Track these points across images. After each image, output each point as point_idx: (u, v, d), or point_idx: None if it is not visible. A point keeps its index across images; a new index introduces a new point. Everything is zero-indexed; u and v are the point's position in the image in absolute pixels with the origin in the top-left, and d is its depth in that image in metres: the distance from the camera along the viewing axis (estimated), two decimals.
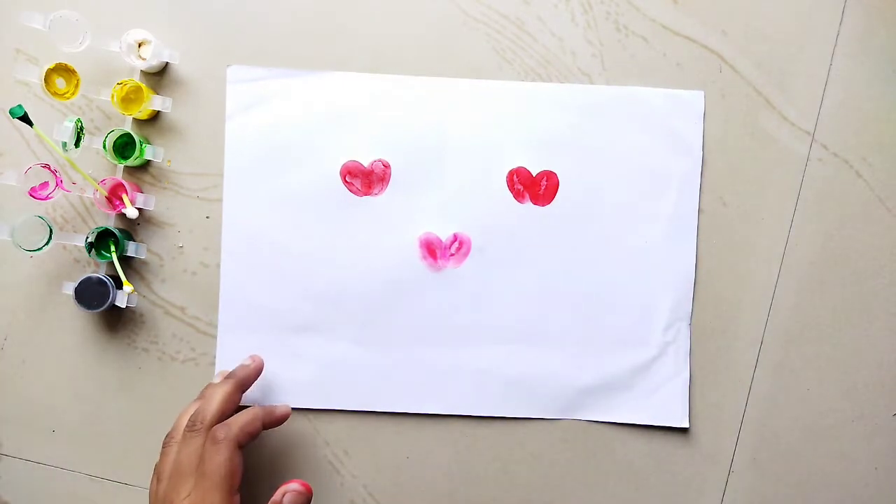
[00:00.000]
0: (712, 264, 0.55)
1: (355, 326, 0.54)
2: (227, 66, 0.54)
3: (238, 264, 0.54)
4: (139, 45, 0.53)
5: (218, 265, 0.54)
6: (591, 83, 0.55)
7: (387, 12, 0.54)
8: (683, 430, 0.55)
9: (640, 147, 0.55)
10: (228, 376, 0.51)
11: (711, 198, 0.55)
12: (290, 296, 0.54)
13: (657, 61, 0.55)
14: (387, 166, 0.54)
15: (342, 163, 0.54)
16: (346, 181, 0.54)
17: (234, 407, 0.49)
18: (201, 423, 0.47)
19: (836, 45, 0.55)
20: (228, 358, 0.54)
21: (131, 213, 0.51)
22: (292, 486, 0.48)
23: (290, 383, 0.54)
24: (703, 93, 0.55)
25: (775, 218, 0.55)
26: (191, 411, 0.49)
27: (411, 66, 0.54)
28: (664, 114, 0.55)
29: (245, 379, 0.51)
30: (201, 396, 0.50)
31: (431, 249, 0.54)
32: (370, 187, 0.54)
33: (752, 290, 0.55)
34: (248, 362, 0.52)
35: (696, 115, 0.55)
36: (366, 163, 0.54)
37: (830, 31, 0.55)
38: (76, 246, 0.53)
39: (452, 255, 0.54)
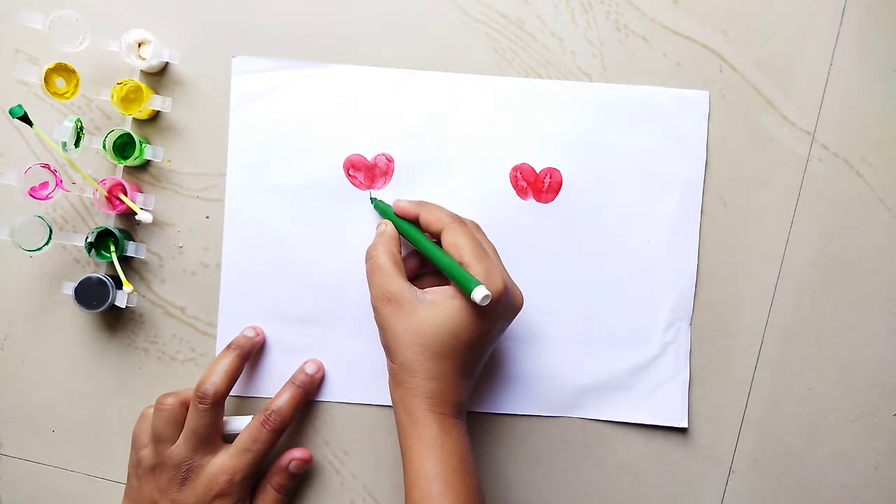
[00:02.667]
0: (712, 264, 0.55)
1: (357, 320, 0.54)
2: (233, 56, 0.54)
3: (239, 256, 0.54)
4: (139, 45, 0.53)
5: (218, 265, 0.54)
6: (591, 83, 0.55)
7: (386, 12, 0.54)
8: (683, 430, 0.55)
9: (644, 146, 0.55)
10: (232, 346, 0.52)
11: (712, 198, 0.55)
12: (291, 288, 0.54)
13: (657, 61, 0.55)
14: (390, 160, 0.54)
15: (345, 156, 0.54)
16: (349, 174, 0.54)
17: (237, 379, 0.51)
18: (213, 397, 0.49)
19: (836, 45, 0.55)
20: None
21: (146, 217, 0.51)
22: (297, 454, 0.53)
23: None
24: (708, 93, 0.55)
25: (775, 218, 0.55)
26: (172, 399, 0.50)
27: (411, 66, 0.54)
28: (669, 114, 0.55)
29: (250, 350, 0.53)
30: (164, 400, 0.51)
31: None
32: (373, 181, 0.54)
33: (752, 290, 0.55)
34: (251, 333, 0.53)
35: (701, 115, 0.55)
36: (369, 156, 0.54)
37: (830, 31, 0.55)
38: (76, 246, 0.53)
39: None
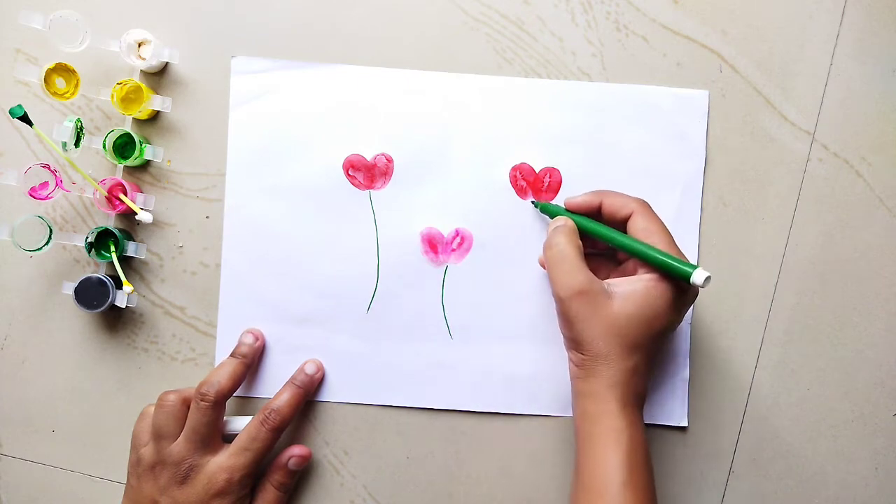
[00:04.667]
0: (712, 264, 0.55)
1: (356, 320, 0.54)
2: (232, 56, 0.54)
3: (239, 256, 0.54)
4: (139, 45, 0.53)
5: (218, 265, 0.54)
6: (591, 82, 0.55)
7: (386, 12, 0.54)
8: (683, 430, 0.55)
9: (644, 145, 0.55)
10: (236, 355, 0.52)
11: (712, 197, 0.55)
12: (291, 288, 0.54)
13: (657, 61, 0.55)
14: (389, 160, 0.54)
15: (345, 156, 0.54)
16: (349, 174, 0.54)
17: (240, 384, 0.51)
18: (215, 395, 0.49)
19: (836, 45, 0.55)
20: (227, 352, 0.53)
21: (146, 217, 0.51)
22: (296, 451, 0.53)
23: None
24: (707, 92, 0.55)
25: (775, 218, 0.55)
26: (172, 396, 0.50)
27: (411, 66, 0.54)
28: (669, 112, 0.55)
29: (253, 358, 0.53)
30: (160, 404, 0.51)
31: (433, 244, 0.54)
32: (373, 181, 0.54)
33: (752, 290, 0.55)
34: (250, 339, 0.53)
35: (700, 114, 0.55)
36: (369, 156, 0.54)
37: (830, 31, 0.55)
38: (76, 246, 0.53)
39: (454, 250, 0.54)
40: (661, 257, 0.46)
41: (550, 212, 0.53)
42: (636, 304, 0.45)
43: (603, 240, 0.49)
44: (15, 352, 0.54)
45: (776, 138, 0.55)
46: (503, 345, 0.54)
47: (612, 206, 0.49)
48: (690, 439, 0.55)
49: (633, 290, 0.46)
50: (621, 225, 0.49)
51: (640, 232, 0.47)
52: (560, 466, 0.54)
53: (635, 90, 0.55)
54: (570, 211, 0.51)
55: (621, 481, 0.43)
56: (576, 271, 0.46)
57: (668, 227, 0.54)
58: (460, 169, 0.54)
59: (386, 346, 0.54)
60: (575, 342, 0.47)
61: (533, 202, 0.54)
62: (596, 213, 0.51)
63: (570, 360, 0.48)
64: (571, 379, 0.48)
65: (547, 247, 0.49)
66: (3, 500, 0.54)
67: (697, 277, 0.43)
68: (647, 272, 0.46)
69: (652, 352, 0.46)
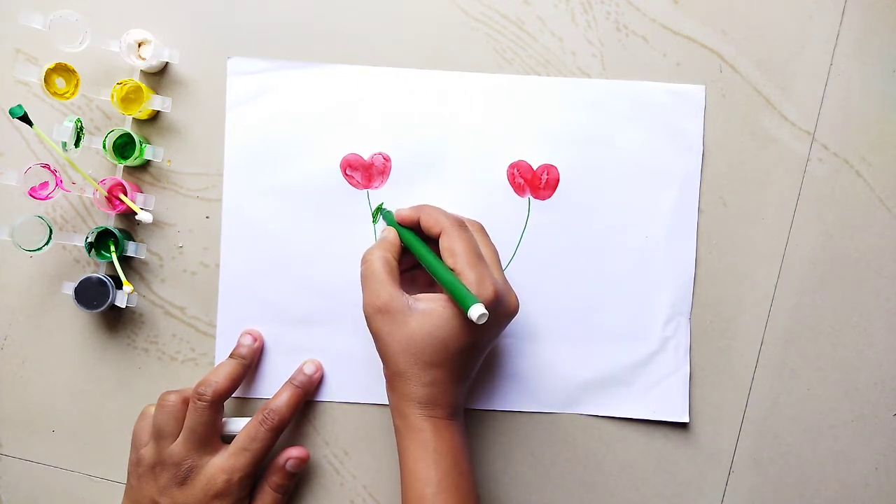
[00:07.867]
0: (712, 264, 0.55)
1: (356, 320, 0.54)
2: (228, 57, 0.54)
3: (238, 257, 0.54)
4: (139, 45, 0.53)
5: (217, 265, 0.54)
6: (587, 79, 0.55)
7: (385, 12, 0.54)
8: (684, 430, 0.55)
9: (641, 141, 0.55)
10: (235, 356, 0.52)
11: (711, 197, 0.55)
12: (290, 289, 0.54)
13: (657, 61, 0.55)
14: (387, 159, 0.54)
15: (342, 156, 0.54)
16: (347, 174, 0.54)
17: (239, 384, 0.51)
18: (212, 395, 0.49)
19: (836, 45, 0.55)
20: (227, 352, 0.53)
21: (146, 217, 0.51)
22: (294, 453, 0.52)
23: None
24: (704, 87, 0.55)
25: (775, 218, 0.55)
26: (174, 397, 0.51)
27: (411, 66, 0.54)
28: (666, 108, 0.55)
29: (252, 359, 0.53)
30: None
31: None
32: (370, 180, 0.54)
33: (752, 290, 0.55)
34: (249, 340, 0.53)
35: (697, 109, 0.55)
36: (366, 156, 0.54)
37: (830, 31, 0.55)
38: (76, 246, 0.53)
39: None
40: (447, 283, 0.45)
41: (387, 219, 0.52)
42: (432, 324, 0.45)
43: (415, 255, 0.49)
44: (15, 352, 0.54)
45: (776, 138, 0.55)
46: (501, 342, 0.54)
47: (427, 223, 0.48)
48: (690, 439, 0.55)
49: (432, 309, 0.45)
50: (437, 242, 0.48)
51: (445, 252, 0.46)
52: (559, 467, 0.54)
53: (632, 86, 0.55)
54: (399, 223, 0.50)
55: (432, 493, 0.45)
56: (380, 288, 0.46)
57: (667, 222, 0.55)
58: (458, 167, 0.55)
59: None
60: (381, 357, 0.47)
61: (379, 207, 0.54)
62: (419, 228, 0.50)
63: (384, 374, 0.48)
64: (386, 392, 0.48)
65: (362, 260, 0.48)
66: (3, 500, 0.54)
67: (474, 312, 0.42)
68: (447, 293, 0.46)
69: (455, 369, 0.46)
